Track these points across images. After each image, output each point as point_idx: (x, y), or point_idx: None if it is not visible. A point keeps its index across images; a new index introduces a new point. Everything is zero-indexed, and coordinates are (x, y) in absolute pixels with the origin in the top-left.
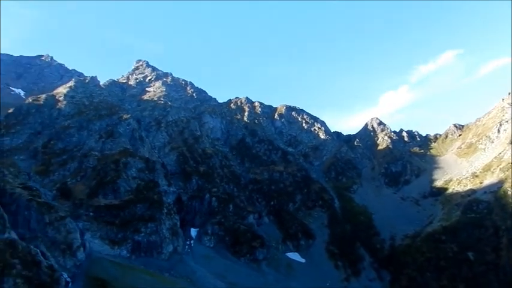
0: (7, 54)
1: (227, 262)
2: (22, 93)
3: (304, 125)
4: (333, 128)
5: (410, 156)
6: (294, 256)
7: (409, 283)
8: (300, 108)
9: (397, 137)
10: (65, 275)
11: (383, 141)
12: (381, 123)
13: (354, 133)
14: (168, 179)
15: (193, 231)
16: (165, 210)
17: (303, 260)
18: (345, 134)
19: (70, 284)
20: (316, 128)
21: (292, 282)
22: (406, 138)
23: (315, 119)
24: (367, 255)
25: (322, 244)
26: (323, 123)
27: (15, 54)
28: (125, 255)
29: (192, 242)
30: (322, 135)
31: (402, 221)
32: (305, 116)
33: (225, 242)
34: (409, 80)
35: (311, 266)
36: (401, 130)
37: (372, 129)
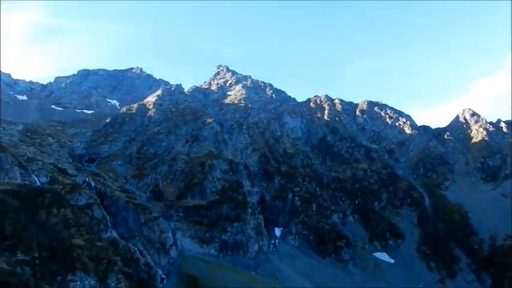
0: (103, 69)
1: (312, 261)
2: (117, 103)
3: (387, 120)
4: (419, 122)
5: (511, 148)
6: (382, 256)
7: None
8: (383, 103)
9: (493, 128)
10: (160, 272)
11: (477, 134)
12: (474, 114)
13: (444, 126)
14: (251, 179)
15: (277, 231)
16: (250, 210)
17: (392, 260)
18: (433, 128)
19: (165, 281)
20: (401, 123)
21: (381, 282)
22: (504, 129)
23: (399, 113)
24: (463, 256)
25: (413, 244)
26: (408, 117)
27: (110, 69)
28: (213, 253)
29: (276, 241)
30: (407, 130)
31: (503, 220)
32: (388, 111)
33: (309, 241)
34: (505, 64)
35: (401, 266)
36: (499, 120)
37: (464, 121)
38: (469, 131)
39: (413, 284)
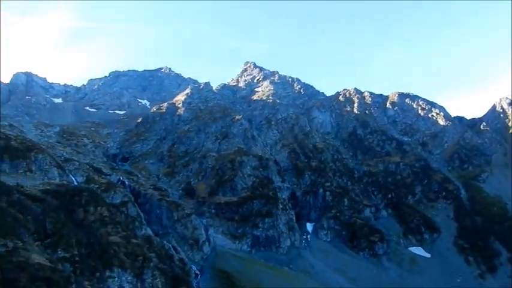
0: (134, 70)
1: (345, 257)
2: (147, 103)
3: (420, 111)
4: (453, 113)
5: None
6: (418, 251)
7: None
8: (414, 94)
9: None
10: (194, 268)
11: None
12: None
13: (479, 116)
14: (281, 175)
15: (309, 226)
16: (281, 206)
17: (428, 255)
18: (468, 118)
19: (199, 276)
20: (434, 114)
21: (417, 277)
22: None
23: (432, 105)
24: (504, 250)
25: (449, 238)
26: (441, 108)
27: (140, 69)
28: (246, 249)
29: (308, 236)
30: (441, 121)
31: None
32: (420, 102)
33: (341, 236)
34: None
35: (437, 261)
36: None
37: (501, 110)
38: (507, 120)
39: (450, 279)
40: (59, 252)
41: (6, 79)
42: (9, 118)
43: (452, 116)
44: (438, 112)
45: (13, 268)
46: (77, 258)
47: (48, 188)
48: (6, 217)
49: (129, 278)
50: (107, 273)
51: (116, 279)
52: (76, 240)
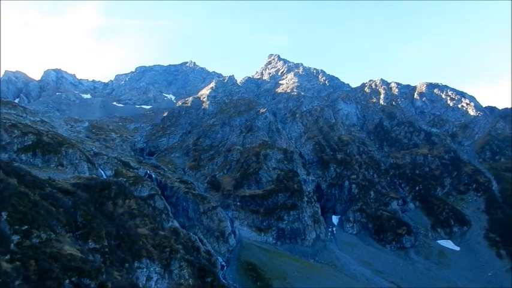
0: (159, 65)
1: (372, 249)
2: (173, 98)
3: (449, 102)
4: (484, 103)
5: None
6: (447, 244)
7: None
8: (443, 84)
9: None
10: (220, 259)
11: None
12: None
13: None
14: (306, 168)
15: (334, 219)
16: (306, 199)
17: (457, 248)
18: (500, 108)
19: (225, 268)
20: (464, 104)
21: (446, 271)
22: None
23: (462, 95)
24: None
25: (480, 231)
26: (472, 99)
27: (165, 64)
28: (271, 241)
29: (334, 229)
30: (471, 112)
31: None
32: (450, 92)
33: (368, 229)
34: None
35: (467, 254)
36: None
37: None
38: None
39: (481, 273)
40: (90, 243)
41: (37, 76)
42: (40, 114)
43: (484, 106)
44: (468, 102)
45: (47, 258)
46: (107, 250)
47: (78, 181)
48: (39, 210)
49: (157, 269)
50: (136, 264)
51: (145, 270)
52: (106, 232)
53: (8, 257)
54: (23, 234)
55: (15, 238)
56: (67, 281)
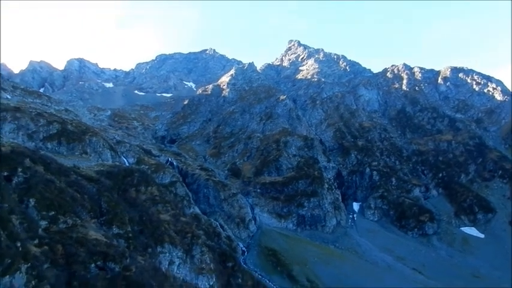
0: (179, 52)
1: (393, 236)
2: (193, 85)
3: (474, 86)
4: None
5: None
6: (471, 231)
7: None
8: (468, 68)
9: None
10: (241, 245)
11: None
12: None
13: None
14: (326, 155)
15: (355, 206)
16: (326, 186)
17: (482, 235)
18: None
19: (246, 253)
20: (491, 89)
21: (469, 258)
22: None
23: (488, 79)
24: None
25: (505, 218)
26: (499, 83)
27: (185, 52)
28: (291, 228)
29: (355, 215)
30: (498, 96)
31: None
32: (475, 77)
33: (389, 216)
34: None
35: (492, 241)
36: None
37: None
38: None
39: (505, 260)
40: (114, 229)
41: (60, 66)
42: (64, 103)
43: (511, 90)
44: (495, 87)
45: (73, 243)
46: (130, 235)
47: (102, 169)
48: (65, 196)
49: (179, 254)
50: (159, 249)
51: (167, 254)
52: (129, 218)
53: (36, 241)
54: (50, 220)
55: (43, 224)
56: (93, 265)
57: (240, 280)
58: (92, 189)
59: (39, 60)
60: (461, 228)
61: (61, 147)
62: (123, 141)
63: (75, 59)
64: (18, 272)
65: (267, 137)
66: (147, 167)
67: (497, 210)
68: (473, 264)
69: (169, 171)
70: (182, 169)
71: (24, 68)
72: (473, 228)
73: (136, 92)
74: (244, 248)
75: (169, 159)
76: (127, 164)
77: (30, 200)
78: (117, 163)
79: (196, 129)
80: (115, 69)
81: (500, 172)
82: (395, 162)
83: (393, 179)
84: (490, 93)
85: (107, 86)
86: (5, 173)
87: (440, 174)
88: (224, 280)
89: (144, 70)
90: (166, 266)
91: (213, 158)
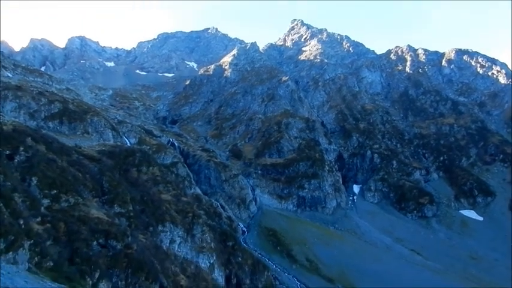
0: (181, 31)
1: (392, 218)
2: (195, 65)
3: (479, 69)
4: None
5: None
6: (470, 214)
7: None
8: (473, 50)
9: None
10: (241, 225)
11: None
12: None
13: None
14: (328, 137)
15: (355, 188)
16: (327, 168)
17: (481, 218)
18: None
19: (246, 233)
20: (495, 72)
21: (468, 240)
22: None
23: (493, 61)
24: None
25: (505, 202)
26: (503, 66)
27: (187, 31)
28: (292, 209)
29: (355, 197)
30: (502, 80)
31: None
32: (480, 59)
33: (389, 198)
34: None
35: (490, 224)
36: None
37: None
38: None
39: (503, 243)
40: (115, 208)
41: (61, 44)
42: (66, 82)
43: None
44: (499, 70)
45: (75, 221)
46: (132, 214)
47: (103, 148)
48: (67, 175)
49: (180, 233)
50: (160, 227)
51: (168, 233)
52: (130, 198)
53: (39, 219)
54: (52, 199)
55: (45, 202)
56: (95, 242)
57: (240, 259)
58: (94, 169)
59: (40, 38)
60: (461, 211)
61: (63, 126)
62: (124, 121)
63: (76, 37)
64: (21, 248)
65: (269, 119)
66: (148, 147)
67: (497, 194)
68: (471, 246)
69: (170, 151)
70: (183, 150)
71: (25, 46)
72: (472, 211)
73: (137, 71)
74: (244, 228)
75: (171, 140)
76: (128, 144)
77: (33, 178)
78: (119, 143)
79: (197, 110)
80: (116, 48)
81: (501, 156)
82: (397, 145)
83: (394, 162)
84: (494, 76)
85: (108, 65)
86: (7, 152)
87: (442, 158)
88: (224, 259)
89: (145, 49)
90: (167, 245)
91: (214, 139)
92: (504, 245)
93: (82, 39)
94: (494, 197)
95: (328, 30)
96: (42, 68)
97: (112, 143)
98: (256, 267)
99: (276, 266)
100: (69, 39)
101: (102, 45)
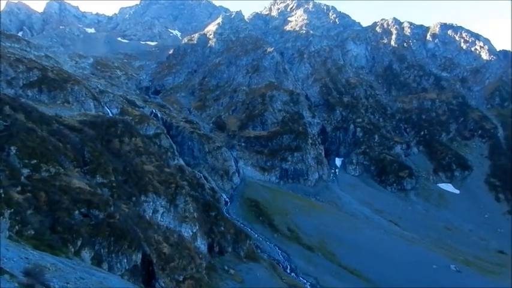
0: None
1: (372, 190)
2: (178, 34)
3: (462, 44)
4: (499, 47)
5: None
6: (447, 187)
7: None
8: (458, 25)
9: None
10: (224, 196)
11: None
12: None
13: None
14: (312, 110)
15: (338, 161)
16: (310, 141)
17: (457, 191)
18: None
19: (229, 204)
20: (478, 48)
21: (444, 212)
22: None
23: (476, 37)
24: None
25: (481, 176)
26: (486, 41)
27: None
28: (274, 181)
29: (336, 170)
30: (484, 56)
31: None
32: (464, 34)
33: (370, 171)
34: None
35: (466, 197)
36: None
37: None
38: None
39: (478, 215)
40: (98, 178)
41: (39, 8)
42: (45, 49)
43: (498, 49)
44: (482, 45)
45: (56, 191)
46: (114, 184)
47: (85, 118)
48: (47, 145)
49: (162, 203)
50: (143, 198)
51: (151, 203)
52: (113, 168)
53: (19, 188)
54: (33, 168)
55: (25, 171)
56: (76, 211)
57: (222, 228)
58: (75, 139)
59: (16, 1)
60: (438, 185)
61: (42, 95)
62: (106, 90)
63: (54, 0)
64: (1, 217)
65: (253, 91)
66: (131, 118)
67: (474, 168)
68: (447, 218)
69: (153, 122)
70: (166, 121)
71: (0, 10)
72: (449, 184)
73: (119, 39)
74: (227, 199)
75: (154, 111)
76: (110, 115)
77: (12, 147)
78: (101, 113)
79: (181, 80)
80: (97, 14)
81: (480, 132)
82: (379, 120)
83: (376, 136)
84: (477, 52)
85: (89, 32)
86: None
87: (422, 133)
88: (207, 228)
89: (127, 15)
90: (150, 214)
91: (197, 110)
92: (479, 217)
93: (61, 3)
94: (472, 171)
95: (315, 0)
96: (20, 33)
97: (93, 113)
98: (239, 236)
99: (257, 235)
100: (47, 3)
101: (82, 11)
